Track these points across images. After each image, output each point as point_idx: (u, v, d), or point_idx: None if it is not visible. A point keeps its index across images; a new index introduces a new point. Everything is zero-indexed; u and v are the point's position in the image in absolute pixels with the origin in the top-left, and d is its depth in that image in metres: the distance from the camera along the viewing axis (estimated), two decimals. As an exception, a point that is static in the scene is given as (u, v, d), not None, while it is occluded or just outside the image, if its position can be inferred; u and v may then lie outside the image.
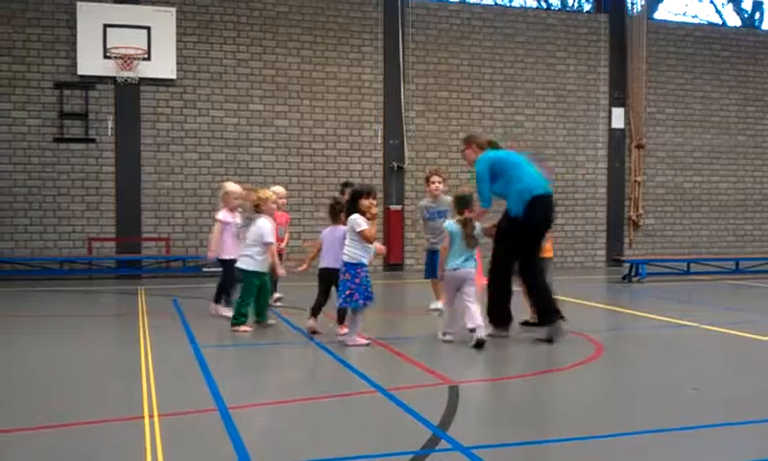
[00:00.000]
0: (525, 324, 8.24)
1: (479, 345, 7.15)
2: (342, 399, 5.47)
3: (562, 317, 7.70)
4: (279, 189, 10.16)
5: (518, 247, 7.72)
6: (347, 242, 7.37)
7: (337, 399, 5.46)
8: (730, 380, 6.11)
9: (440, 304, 9.40)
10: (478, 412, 5.24)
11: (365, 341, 7.36)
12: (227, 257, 9.05)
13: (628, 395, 5.75)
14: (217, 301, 9.27)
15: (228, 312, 8.74)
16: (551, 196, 7.89)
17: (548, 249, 8.83)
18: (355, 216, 7.31)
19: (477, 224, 7.61)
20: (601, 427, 4.80)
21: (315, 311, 8.00)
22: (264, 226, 8.23)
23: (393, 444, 4.39)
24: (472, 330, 7.21)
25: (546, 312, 7.71)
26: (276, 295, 9.94)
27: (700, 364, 6.89)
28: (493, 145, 8.13)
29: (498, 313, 7.87)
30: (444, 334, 7.59)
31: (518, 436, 4.59)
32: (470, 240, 7.44)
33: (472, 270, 7.52)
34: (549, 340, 7.52)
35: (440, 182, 9.64)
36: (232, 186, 9.44)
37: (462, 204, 7.60)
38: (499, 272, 7.84)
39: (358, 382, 5.90)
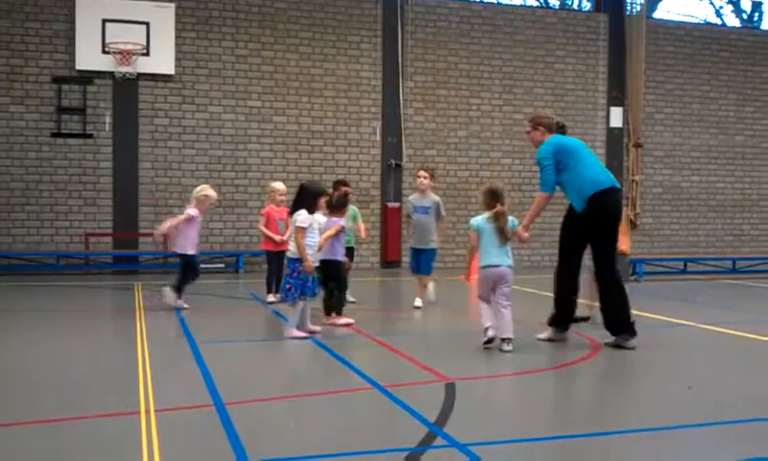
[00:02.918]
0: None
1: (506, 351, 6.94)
2: (338, 395, 5.47)
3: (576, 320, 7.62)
4: (279, 186, 10.24)
5: (581, 244, 7.34)
6: (291, 238, 7.65)
7: (334, 395, 5.46)
8: (725, 380, 6.11)
9: (421, 302, 9.45)
10: (475, 409, 5.24)
11: (304, 334, 7.55)
12: (192, 253, 9.46)
13: (623, 393, 5.76)
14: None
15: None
16: (618, 190, 7.39)
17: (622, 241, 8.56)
18: (302, 213, 7.52)
19: (511, 218, 7.22)
20: (597, 425, 4.80)
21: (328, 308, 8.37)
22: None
23: (389, 440, 4.39)
24: (504, 340, 6.97)
25: (563, 317, 7.56)
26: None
27: (696, 363, 6.89)
28: (562, 128, 7.62)
29: (560, 315, 7.54)
30: (486, 330, 7.07)
31: (515, 433, 4.59)
32: (502, 235, 7.02)
33: (507, 268, 7.09)
34: (550, 340, 7.48)
35: (425, 178, 9.62)
36: (211, 191, 9.79)
37: (492, 197, 7.16)
38: (563, 270, 7.53)
39: (355, 379, 5.89)
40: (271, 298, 10.08)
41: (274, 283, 10.05)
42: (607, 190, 7.16)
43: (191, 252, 9.46)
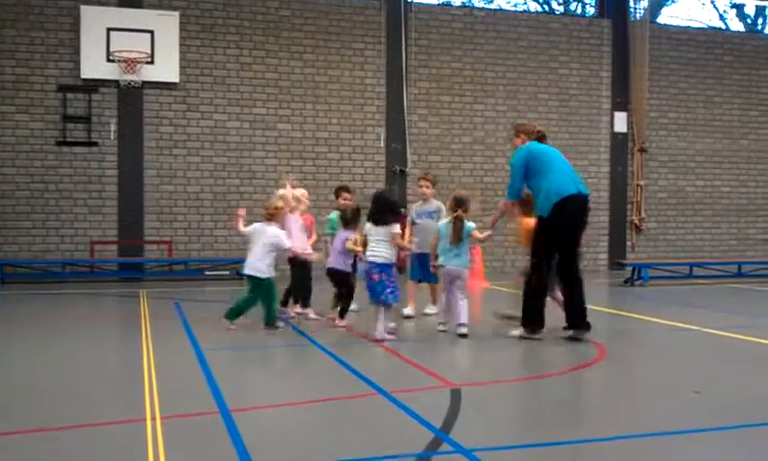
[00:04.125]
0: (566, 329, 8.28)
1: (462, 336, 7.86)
2: (344, 401, 5.47)
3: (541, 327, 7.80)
4: (303, 192, 10.12)
5: (548, 248, 7.65)
6: (382, 245, 7.84)
7: (339, 401, 5.46)
8: (732, 384, 6.10)
9: (434, 309, 9.43)
10: (480, 414, 5.23)
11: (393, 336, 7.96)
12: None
13: (630, 398, 5.75)
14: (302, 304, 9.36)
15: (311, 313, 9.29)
16: (584, 196, 7.74)
17: None
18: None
19: (469, 224, 7.96)
20: (603, 430, 4.79)
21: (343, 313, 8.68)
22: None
23: (395, 446, 4.39)
24: (459, 325, 7.91)
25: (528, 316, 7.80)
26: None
27: (702, 367, 6.88)
28: (541, 136, 8.03)
29: (530, 315, 7.79)
30: (439, 324, 8.26)
31: (520, 438, 4.59)
32: (454, 237, 7.89)
33: (460, 268, 8.00)
34: (522, 338, 7.76)
35: (426, 187, 9.63)
36: (282, 191, 9.54)
37: (456, 203, 8.02)
38: (533, 274, 7.75)
39: (360, 385, 5.89)
40: (297, 310, 9.50)
41: (293, 294, 9.78)
42: (570, 196, 7.56)
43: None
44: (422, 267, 9.51)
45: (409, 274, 9.86)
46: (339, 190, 10.00)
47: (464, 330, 7.86)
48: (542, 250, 7.67)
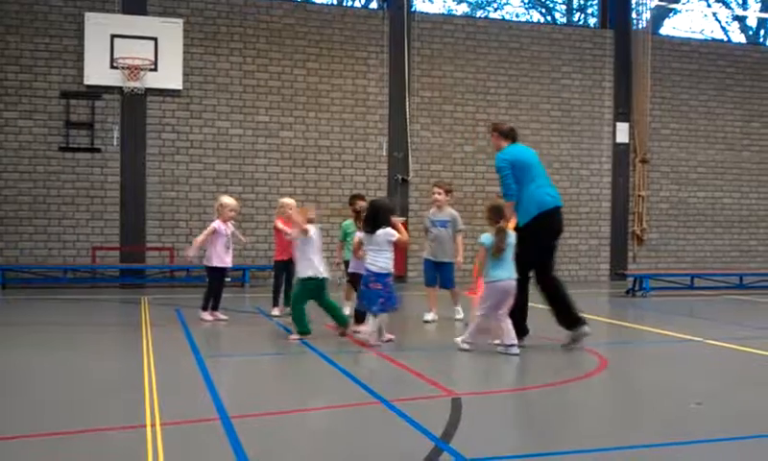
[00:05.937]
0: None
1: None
2: (344, 409, 5.47)
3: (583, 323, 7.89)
4: (290, 201, 10.35)
5: (529, 258, 7.72)
6: (376, 254, 7.85)
7: (340, 409, 5.46)
8: (733, 396, 6.09)
9: (431, 316, 9.54)
10: (481, 424, 5.23)
11: (382, 341, 7.94)
12: (217, 265, 9.65)
13: (631, 409, 5.74)
14: (205, 308, 9.68)
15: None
16: (560, 208, 7.93)
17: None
18: (387, 229, 7.84)
19: (511, 233, 7.59)
20: (604, 441, 4.79)
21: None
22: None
23: (395, 455, 4.39)
24: (509, 346, 7.42)
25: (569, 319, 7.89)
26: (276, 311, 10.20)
27: (703, 379, 6.87)
28: (514, 134, 8.19)
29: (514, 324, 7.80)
30: (464, 342, 7.63)
31: (521, 449, 4.59)
32: (497, 250, 7.40)
33: (513, 282, 7.48)
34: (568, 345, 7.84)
35: (439, 194, 9.74)
36: (227, 199, 9.98)
37: (497, 214, 7.57)
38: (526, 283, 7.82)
39: (361, 393, 5.89)
40: (276, 312, 10.13)
41: (281, 297, 10.16)
42: (549, 211, 7.78)
43: (215, 264, 9.64)
44: (435, 274, 9.74)
45: (425, 281, 10.04)
46: (353, 198, 10.08)
47: (514, 351, 7.38)
48: (521, 259, 7.65)
